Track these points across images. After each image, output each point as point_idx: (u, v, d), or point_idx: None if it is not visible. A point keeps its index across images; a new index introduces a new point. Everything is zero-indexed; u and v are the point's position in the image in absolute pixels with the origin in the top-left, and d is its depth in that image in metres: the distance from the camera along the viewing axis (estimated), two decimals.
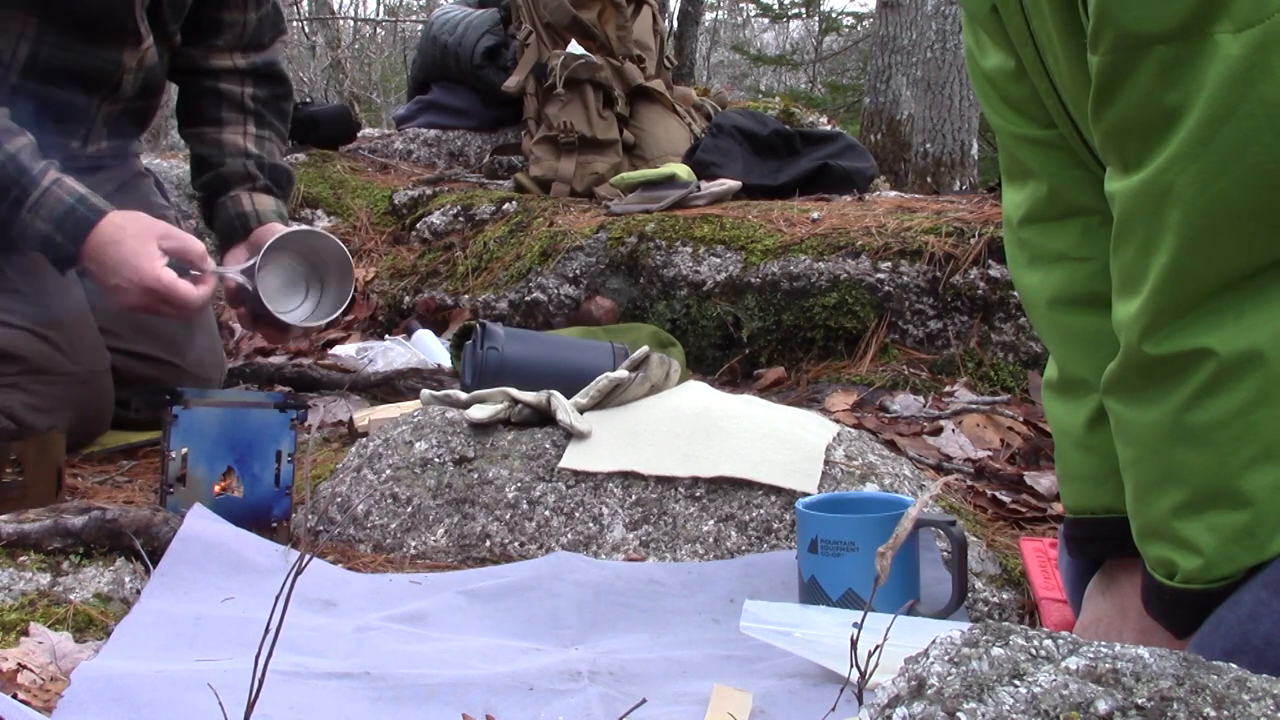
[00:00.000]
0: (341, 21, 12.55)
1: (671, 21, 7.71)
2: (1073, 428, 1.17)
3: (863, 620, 0.89)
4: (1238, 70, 0.84)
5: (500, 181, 3.73)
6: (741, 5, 16.56)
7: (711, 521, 1.49)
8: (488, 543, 1.50)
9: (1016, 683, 0.65)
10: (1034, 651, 0.68)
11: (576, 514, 1.51)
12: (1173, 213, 0.89)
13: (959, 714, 0.64)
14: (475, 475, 1.56)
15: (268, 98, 2.17)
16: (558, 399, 1.62)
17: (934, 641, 0.70)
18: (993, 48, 1.15)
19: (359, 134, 4.39)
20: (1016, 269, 1.22)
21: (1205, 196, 0.88)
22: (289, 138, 2.47)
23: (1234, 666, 0.66)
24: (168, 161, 3.75)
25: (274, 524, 1.53)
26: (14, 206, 1.70)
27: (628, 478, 1.53)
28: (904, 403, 2.24)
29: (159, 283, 1.69)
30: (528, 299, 2.82)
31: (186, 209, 3.24)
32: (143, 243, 1.71)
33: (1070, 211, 1.15)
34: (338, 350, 2.76)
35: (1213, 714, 0.62)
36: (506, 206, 3.26)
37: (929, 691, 0.66)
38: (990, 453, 2.00)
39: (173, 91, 2.24)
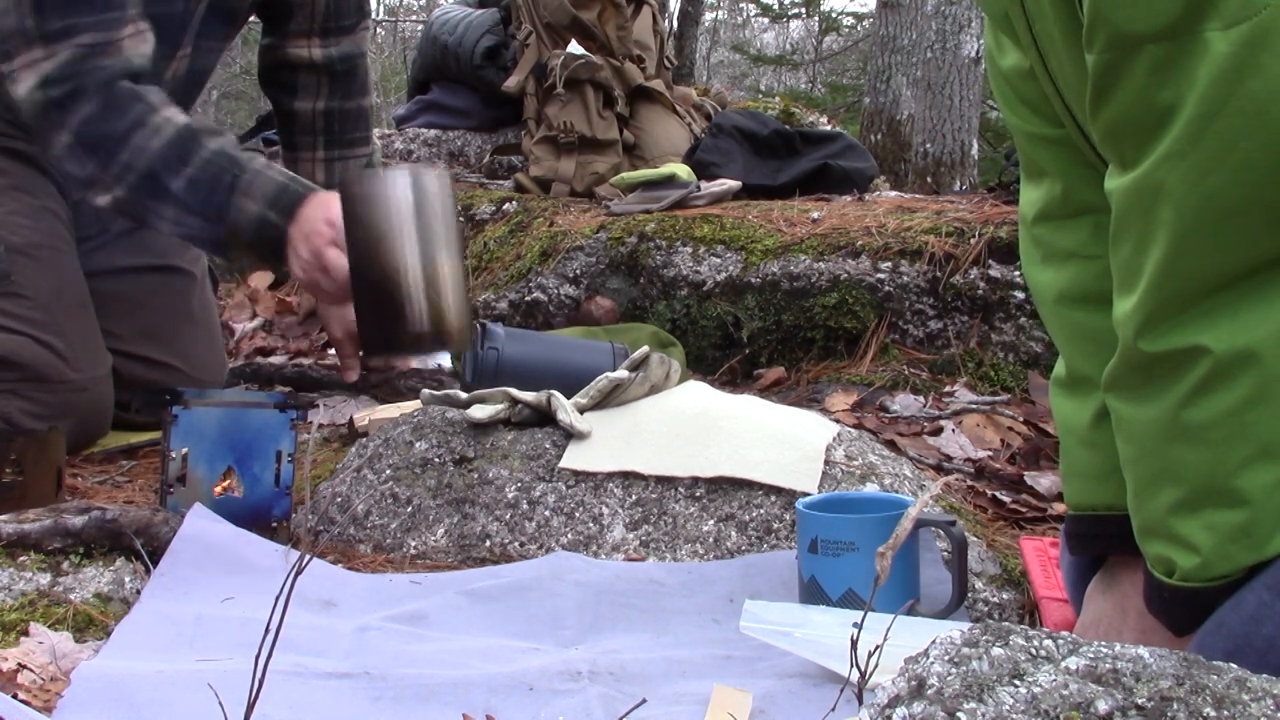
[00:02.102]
0: None
1: (671, 21, 7.70)
2: (1078, 424, 1.17)
3: (863, 620, 0.89)
4: (1226, 67, 0.84)
5: (500, 181, 3.73)
6: (741, 5, 16.56)
7: (711, 521, 1.48)
8: (488, 543, 1.50)
9: (1016, 683, 0.65)
10: (1034, 651, 0.68)
11: (576, 514, 1.51)
12: (1164, 210, 0.90)
13: (959, 714, 0.64)
14: (475, 475, 1.56)
15: (339, 108, 2.22)
16: (558, 399, 1.62)
17: (934, 641, 0.70)
18: (1011, 47, 1.16)
19: None
20: (1030, 266, 1.23)
21: (1196, 193, 0.88)
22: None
23: (1234, 666, 0.66)
24: None
25: (274, 524, 1.53)
26: (228, 192, 1.75)
27: (628, 478, 1.53)
28: (904, 403, 2.24)
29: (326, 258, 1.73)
30: (528, 299, 2.82)
31: None
32: (317, 222, 1.75)
33: (1081, 209, 1.16)
34: None
35: (1213, 714, 0.62)
36: (506, 206, 3.25)
37: (929, 691, 0.66)
38: (990, 453, 2.00)
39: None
